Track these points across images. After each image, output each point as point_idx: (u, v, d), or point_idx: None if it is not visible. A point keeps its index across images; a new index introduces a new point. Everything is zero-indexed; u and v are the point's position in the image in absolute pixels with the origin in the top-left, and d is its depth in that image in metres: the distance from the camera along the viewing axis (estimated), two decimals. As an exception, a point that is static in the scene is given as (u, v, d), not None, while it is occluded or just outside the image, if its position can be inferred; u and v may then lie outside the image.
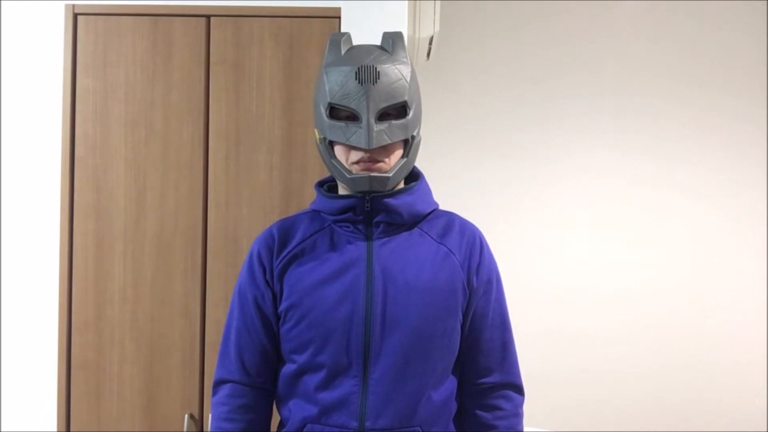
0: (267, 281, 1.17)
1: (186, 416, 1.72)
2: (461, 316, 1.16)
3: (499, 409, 1.18)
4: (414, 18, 2.00)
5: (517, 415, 1.21)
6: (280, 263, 1.16)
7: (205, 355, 1.73)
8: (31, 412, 1.79)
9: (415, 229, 1.17)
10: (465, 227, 1.21)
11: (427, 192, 1.23)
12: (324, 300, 1.11)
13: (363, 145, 1.07)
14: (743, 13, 2.78)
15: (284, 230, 1.20)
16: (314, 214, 1.21)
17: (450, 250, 1.16)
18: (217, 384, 1.20)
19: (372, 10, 1.75)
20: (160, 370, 1.74)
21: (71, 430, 1.73)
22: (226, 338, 1.21)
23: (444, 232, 1.19)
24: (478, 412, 1.19)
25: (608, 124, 2.81)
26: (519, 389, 1.22)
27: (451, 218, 1.22)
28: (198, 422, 1.73)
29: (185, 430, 1.71)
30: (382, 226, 1.15)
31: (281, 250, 1.17)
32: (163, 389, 1.74)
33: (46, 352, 1.78)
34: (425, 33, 2.06)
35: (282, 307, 1.15)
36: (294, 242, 1.17)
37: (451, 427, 1.18)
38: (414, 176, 1.23)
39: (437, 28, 2.09)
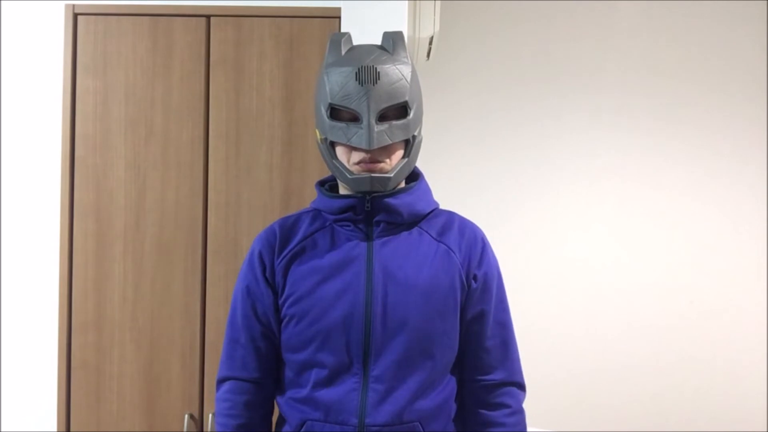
0: (267, 279, 1.18)
1: (186, 416, 1.72)
2: (460, 314, 1.16)
3: (505, 406, 1.18)
4: (414, 18, 1.99)
5: (522, 411, 1.22)
6: (282, 261, 1.17)
7: (205, 355, 1.73)
8: (31, 412, 1.79)
9: (415, 228, 1.18)
10: (465, 226, 1.21)
11: (427, 192, 1.23)
12: (324, 298, 1.12)
13: (364, 146, 1.08)
14: (743, 13, 2.78)
15: (286, 228, 1.20)
16: (315, 212, 1.21)
17: (449, 248, 1.17)
18: (220, 381, 1.22)
19: (372, 10, 1.75)
20: (160, 370, 1.74)
21: (71, 430, 1.73)
22: (228, 336, 1.22)
23: (443, 231, 1.19)
24: (482, 410, 1.19)
25: (608, 124, 2.81)
26: (521, 387, 1.23)
27: (450, 217, 1.22)
28: (198, 422, 1.73)
29: (185, 430, 1.71)
30: (382, 225, 1.15)
31: (283, 248, 1.18)
32: (163, 389, 1.73)
33: (46, 353, 1.78)
34: (425, 33, 2.06)
35: (283, 304, 1.16)
36: (296, 240, 1.18)
37: (451, 425, 1.18)
38: (414, 176, 1.23)
39: (437, 28, 2.09)
